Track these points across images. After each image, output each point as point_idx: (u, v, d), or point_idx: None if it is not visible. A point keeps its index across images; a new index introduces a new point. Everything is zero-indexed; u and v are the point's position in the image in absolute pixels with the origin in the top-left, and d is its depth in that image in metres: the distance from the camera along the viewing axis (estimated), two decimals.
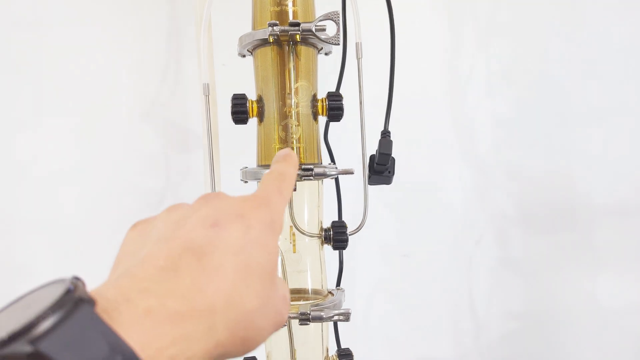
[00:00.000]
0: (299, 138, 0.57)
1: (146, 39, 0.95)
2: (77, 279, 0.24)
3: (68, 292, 0.23)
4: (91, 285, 0.26)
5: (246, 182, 0.61)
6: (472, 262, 1.04)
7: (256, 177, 0.58)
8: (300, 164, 0.56)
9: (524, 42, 1.05)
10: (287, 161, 0.41)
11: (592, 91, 1.06)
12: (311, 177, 0.54)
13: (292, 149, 0.57)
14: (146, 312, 0.24)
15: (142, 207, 0.95)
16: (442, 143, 1.03)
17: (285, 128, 0.57)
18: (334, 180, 0.73)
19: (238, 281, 0.28)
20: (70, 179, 0.92)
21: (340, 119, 0.60)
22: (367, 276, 1.01)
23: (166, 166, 0.97)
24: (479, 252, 1.04)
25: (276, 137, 0.57)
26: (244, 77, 0.87)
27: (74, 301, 0.23)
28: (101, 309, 0.24)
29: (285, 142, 0.57)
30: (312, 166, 0.55)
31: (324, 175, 0.55)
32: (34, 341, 0.21)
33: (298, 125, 0.57)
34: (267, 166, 0.58)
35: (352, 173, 0.56)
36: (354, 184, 0.72)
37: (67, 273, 0.26)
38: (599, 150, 1.05)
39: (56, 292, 0.23)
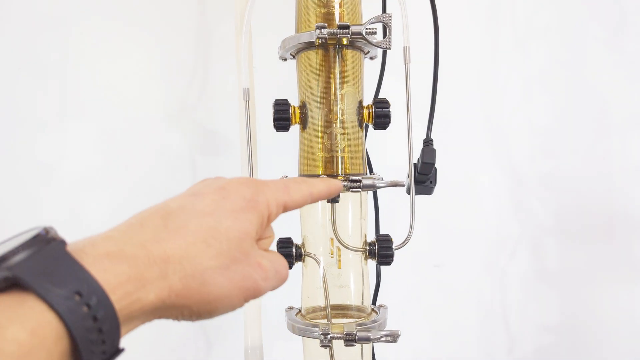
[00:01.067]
0: (345, 147, 0.54)
1: (174, 40, 0.93)
2: (50, 227, 0.28)
3: (40, 234, 0.27)
4: None
5: None
6: (506, 273, 1.01)
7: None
8: (347, 175, 0.54)
9: (562, 47, 1.01)
10: (324, 181, 0.42)
11: (632, 97, 1.01)
12: (359, 189, 0.52)
13: (337, 158, 0.54)
14: (106, 254, 0.28)
15: None
16: (477, 150, 1.00)
17: (330, 136, 0.54)
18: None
19: (198, 240, 0.31)
20: (95, 181, 0.90)
21: (387, 126, 0.57)
22: (398, 286, 0.98)
23: (194, 169, 0.94)
24: (513, 262, 1.01)
25: (320, 145, 0.55)
26: (277, 79, 0.84)
27: (46, 240, 0.27)
28: (70, 248, 0.27)
29: (330, 150, 0.54)
30: (359, 177, 0.52)
31: (372, 187, 0.52)
32: (10, 268, 0.25)
33: (344, 133, 0.54)
34: (310, 176, 0.55)
35: (402, 185, 0.53)
36: (387, 192, 0.69)
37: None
38: (639, 158, 1.01)
39: (31, 233, 0.27)
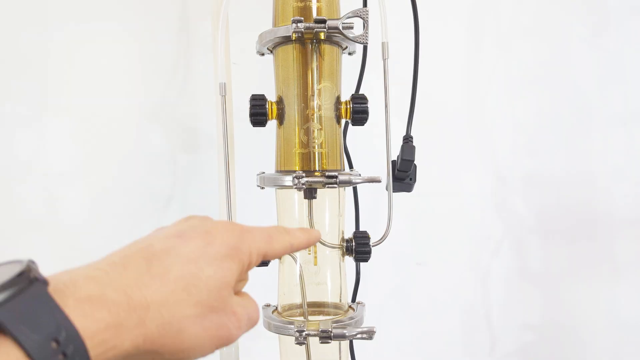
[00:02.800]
0: (322, 143, 0.54)
1: (155, 35, 0.92)
2: (32, 262, 0.27)
3: (23, 272, 0.26)
4: None
5: (263, 188, 0.57)
6: (489, 272, 1.01)
7: (275, 183, 0.54)
8: (323, 170, 0.53)
9: (546, 47, 1.01)
10: (305, 232, 0.41)
11: (615, 97, 1.02)
12: (335, 185, 0.51)
13: (314, 153, 0.54)
14: (88, 298, 0.27)
15: (147, 207, 0.91)
16: (460, 149, 1.00)
17: (307, 132, 0.54)
18: (351, 187, 0.69)
19: (179, 288, 0.31)
20: (74, 178, 0.89)
21: (365, 122, 0.56)
22: (380, 284, 0.98)
23: (174, 166, 0.93)
24: (496, 261, 1.01)
25: (297, 141, 0.54)
26: (255, 76, 0.84)
27: (28, 279, 0.26)
28: (52, 289, 0.27)
29: (307, 146, 0.54)
30: (336, 173, 0.51)
31: (349, 182, 0.51)
32: None
33: (321, 129, 0.54)
34: (287, 172, 0.54)
35: (379, 181, 0.52)
36: (369, 189, 0.69)
37: None
38: (621, 158, 1.02)
39: (12, 271, 0.26)
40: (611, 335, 1.02)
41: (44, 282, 0.27)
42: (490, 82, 1.00)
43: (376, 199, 0.83)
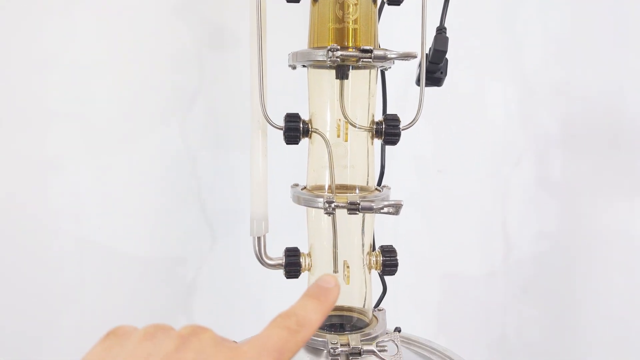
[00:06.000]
0: (356, 19, 0.53)
1: None
2: None
3: None
4: None
5: (294, 67, 0.58)
6: (509, 181, 1.01)
7: (307, 58, 0.54)
8: (357, 48, 0.53)
9: None
10: (320, 301, 0.31)
11: None
12: (370, 59, 0.51)
13: (349, 29, 0.53)
14: None
15: (173, 104, 0.92)
16: (489, 57, 0.98)
17: (343, 6, 0.53)
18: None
19: None
20: (100, 73, 0.89)
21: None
22: (400, 189, 0.99)
23: (200, 63, 0.93)
24: (517, 171, 1.01)
25: (332, 16, 0.53)
26: None
27: None
28: None
29: (342, 21, 0.53)
30: (370, 47, 0.51)
31: (384, 58, 0.51)
32: None
33: (356, 4, 0.53)
34: (320, 48, 0.53)
35: (414, 57, 0.52)
36: (397, 83, 0.68)
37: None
38: None
39: None
40: (623, 248, 1.03)
41: None
42: None
43: (403, 90, 0.83)
